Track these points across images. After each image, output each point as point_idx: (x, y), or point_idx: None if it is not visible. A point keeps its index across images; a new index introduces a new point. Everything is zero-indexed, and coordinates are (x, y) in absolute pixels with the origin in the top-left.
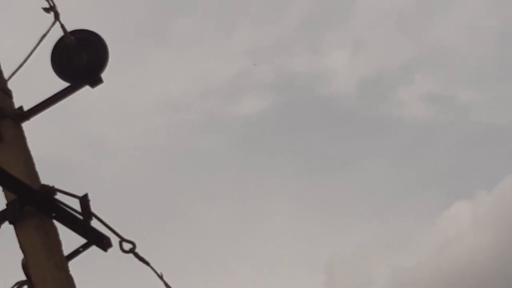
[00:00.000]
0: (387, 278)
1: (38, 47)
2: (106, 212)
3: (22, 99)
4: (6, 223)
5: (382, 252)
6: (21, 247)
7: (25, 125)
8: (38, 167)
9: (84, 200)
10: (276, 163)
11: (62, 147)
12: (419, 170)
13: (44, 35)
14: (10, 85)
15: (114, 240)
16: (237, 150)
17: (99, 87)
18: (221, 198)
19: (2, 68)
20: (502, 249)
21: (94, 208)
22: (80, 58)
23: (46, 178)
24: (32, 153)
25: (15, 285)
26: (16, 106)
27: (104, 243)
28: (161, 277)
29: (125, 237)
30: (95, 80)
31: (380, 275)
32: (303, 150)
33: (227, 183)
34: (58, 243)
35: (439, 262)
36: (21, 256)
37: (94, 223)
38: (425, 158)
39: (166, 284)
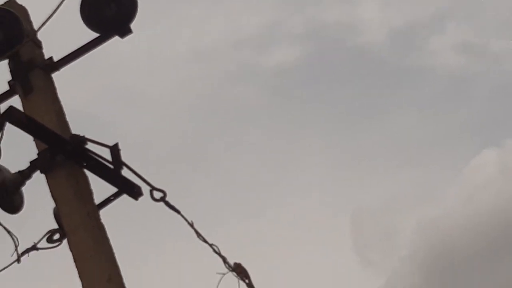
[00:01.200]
0: (414, 228)
1: None
2: (137, 162)
3: (52, 49)
4: (38, 173)
5: (409, 202)
6: (52, 196)
7: (55, 76)
8: (68, 118)
9: (114, 150)
10: (307, 114)
11: (92, 98)
12: (450, 120)
13: None
14: (40, 35)
15: (145, 189)
16: (269, 100)
17: (129, 37)
18: (252, 148)
19: (31, 18)
20: None
21: (124, 158)
22: (110, 8)
23: (76, 128)
24: (63, 103)
25: (47, 233)
26: (46, 56)
27: (134, 192)
28: (191, 225)
29: (156, 186)
30: (124, 31)
31: (407, 225)
32: (334, 100)
33: (258, 133)
34: (89, 192)
35: (466, 212)
36: (52, 205)
37: (125, 172)
38: (456, 108)
39: (196, 231)
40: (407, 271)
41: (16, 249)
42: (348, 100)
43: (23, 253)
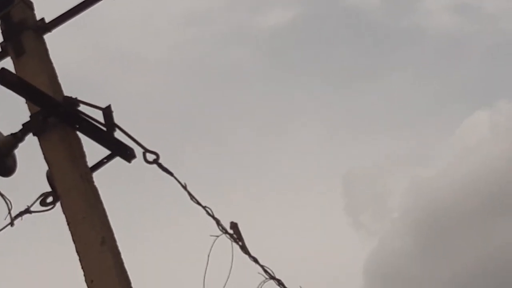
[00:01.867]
0: (406, 189)
1: None
2: (130, 125)
3: (43, 10)
4: (30, 135)
5: (402, 164)
6: (45, 158)
7: (47, 37)
8: (61, 80)
9: (107, 111)
10: (302, 76)
11: (85, 60)
12: (444, 81)
13: None
14: None
15: (138, 151)
16: (263, 62)
17: None
18: (246, 111)
19: None
20: None
21: (118, 121)
22: None
23: (69, 90)
24: (55, 65)
25: (40, 196)
26: (38, 18)
27: (127, 154)
28: (184, 187)
29: (149, 148)
30: None
31: (399, 187)
32: (328, 62)
33: (253, 97)
34: (82, 154)
35: (457, 173)
36: (45, 167)
37: (118, 135)
38: (450, 69)
39: (189, 194)
40: (399, 232)
41: (9, 212)
42: (342, 61)
43: (16, 216)
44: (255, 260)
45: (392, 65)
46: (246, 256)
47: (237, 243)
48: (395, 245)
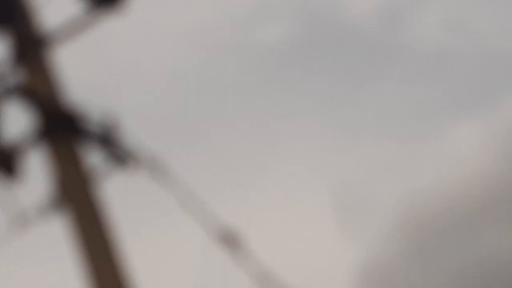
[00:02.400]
0: (397, 196)
1: None
2: (135, 129)
3: (50, 20)
4: (35, 142)
5: (392, 171)
6: (52, 166)
7: (53, 48)
8: (66, 92)
9: (111, 120)
10: (296, 90)
11: (91, 73)
12: (434, 92)
13: None
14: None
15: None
16: (259, 76)
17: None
18: (241, 120)
19: None
20: (509, 168)
21: (124, 128)
22: None
23: (75, 100)
24: (61, 77)
25: (43, 203)
26: (44, 29)
27: (132, 163)
28: (186, 200)
29: (154, 155)
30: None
31: (389, 194)
32: (319, 73)
33: (248, 108)
34: (87, 166)
35: (448, 182)
36: (49, 176)
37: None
38: (441, 80)
39: (190, 209)
40: (390, 240)
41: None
42: (334, 71)
43: (19, 224)
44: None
45: (384, 77)
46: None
47: (232, 253)
48: (386, 253)
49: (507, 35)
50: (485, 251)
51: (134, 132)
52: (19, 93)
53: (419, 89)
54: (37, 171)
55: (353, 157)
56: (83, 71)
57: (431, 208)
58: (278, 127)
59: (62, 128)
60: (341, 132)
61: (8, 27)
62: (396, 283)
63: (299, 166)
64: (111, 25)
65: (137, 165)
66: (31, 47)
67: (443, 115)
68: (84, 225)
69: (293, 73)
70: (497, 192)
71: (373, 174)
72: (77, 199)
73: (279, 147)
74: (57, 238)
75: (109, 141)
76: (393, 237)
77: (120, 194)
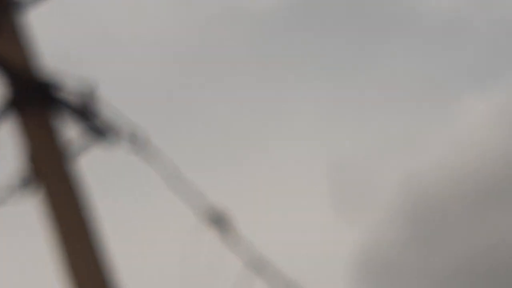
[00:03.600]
0: (397, 178)
1: None
2: (115, 102)
3: None
4: (9, 117)
5: (393, 152)
6: (24, 142)
7: (28, 14)
8: (40, 60)
9: (91, 95)
10: (296, 61)
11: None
12: (439, 67)
13: None
14: None
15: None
16: (256, 46)
17: None
18: (238, 96)
19: None
20: None
21: (102, 103)
22: None
23: (51, 71)
24: (35, 43)
25: (18, 175)
26: None
27: (111, 136)
28: (171, 178)
29: (136, 129)
30: None
31: (390, 175)
32: (321, 47)
33: (245, 82)
34: (63, 139)
35: (452, 162)
36: (23, 147)
37: (102, 118)
38: (445, 54)
39: (174, 187)
40: (390, 223)
41: None
42: (335, 46)
43: None
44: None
45: (389, 49)
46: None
47: (222, 234)
48: (385, 237)
49: None
50: (492, 237)
51: (114, 103)
52: None
53: (426, 62)
54: (8, 145)
55: (353, 135)
56: (59, 39)
57: (435, 191)
58: (274, 103)
59: (35, 98)
60: (341, 108)
61: None
62: (396, 270)
63: (296, 144)
64: None
65: (117, 140)
66: (1, 11)
67: (451, 89)
68: (59, 203)
69: (291, 46)
70: (507, 175)
71: (374, 154)
72: (51, 175)
73: (275, 123)
74: (29, 217)
75: (86, 113)
76: (394, 221)
77: (98, 171)
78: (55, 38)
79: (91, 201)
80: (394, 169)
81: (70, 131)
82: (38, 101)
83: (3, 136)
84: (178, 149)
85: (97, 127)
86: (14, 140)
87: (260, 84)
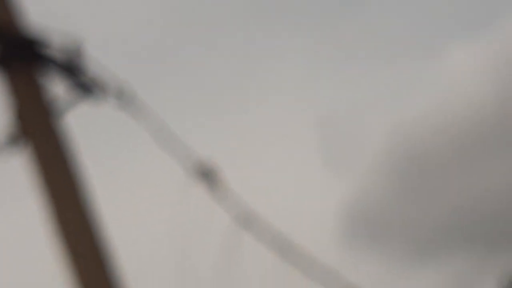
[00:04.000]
0: (386, 129)
1: None
2: (102, 58)
3: None
4: None
5: (382, 103)
6: (12, 99)
7: None
8: (27, 13)
9: (77, 51)
10: (284, 14)
11: None
12: (427, 14)
13: None
14: None
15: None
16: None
17: None
18: (226, 49)
19: None
20: (507, 96)
21: (89, 57)
22: None
23: (35, 24)
24: (21, 0)
25: (7, 136)
26: None
27: (99, 93)
28: (157, 132)
29: (123, 85)
30: None
31: (379, 127)
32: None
33: (233, 34)
34: (50, 95)
35: (442, 111)
36: (11, 105)
37: (88, 73)
38: (437, 3)
39: (160, 141)
40: (379, 176)
41: None
42: None
43: None
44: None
45: (375, 2)
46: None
47: (210, 189)
48: (374, 190)
49: None
50: (480, 186)
51: (101, 60)
52: None
53: (414, 11)
54: None
55: (342, 86)
56: None
57: (424, 140)
58: (262, 57)
59: (21, 55)
60: (329, 58)
61: None
62: (384, 221)
63: (284, 98)
64: None
65: (104, 96)
66: None
67: (439, 37)
68: (46, 160)
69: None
70: (494, 123)
71: (362, 104)
72: (39, 132)
73: (263, 77)
74: (17, 175)
75: (73, 69)
76: (382, 172)
77: (85, 127)
78: None
79: (79, 158)
80: (382, 119)
81: (57, 87)
82: (25, 58)
83: None
84: (165, 104)
85: (84, 83)
86: (2, 98)
87: (249, 38)
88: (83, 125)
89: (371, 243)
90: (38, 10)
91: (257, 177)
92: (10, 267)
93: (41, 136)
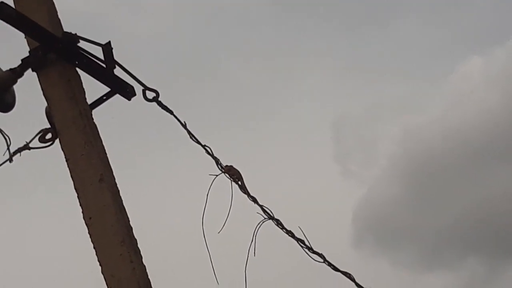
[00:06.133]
0: (397, 135)
1: None
2: (130, 62)
3: None
4: (29, 71)
5: (393, 110)
6: (44, 94)
7: None
8: (60, 15)
9: (107, 48)
10: (310, 20)
11: None
12: (440, 28)
13: None
14: None
15: (138, 89)
16: (272, 5)
17: None
18: (252, 53)
19: None
20: None
21: (118, 58)
22: None
23: (68, 26)
24: (55, 1)
25: (39, 132)
26: None
27: (127, 92)
28: (184, 125)
29: (149, 86)
30: None
31: (390, 133)
32: (337, 8)
33: (260, 39)
34: (81, 91)
35: (451, 119)
36: (44, 103)
37: (118, 72)
38: (448, 16)
39: (189, 132)
40: (390, 180)
41: (8, 148)
42: (350, 7)
43: (15, 152)
44: (254, 200)
45: (398, 12)
46: (245, 197)
47: (236, 182)
48: (385, 193)
49: None
50: (488, 191)
51: (132, 60)
52: (10, 16)
53: (432, 25)
54: (30, 98)
55: (355, 94)
56: None
57: (436, 146)
58: (288, 61)
59: (55, 52)
60: (350, 67)
61: None
62: (396, 226)
63: (304, 100)
64: None
65: (133, 94)
66: None
67: (453, 52)
68: (77, 155)
69: (308, 4)
70: (503, 132)
71: (379, 111)
72: (71, 126)
73: (287, 80)
74: (49, 166)
75: (105, 66)
76: (395, 175)
77: (116, 123)
78: None
79: (108, 151)
80: (394, 126)
81: (88, 84)
82: (58, 55)
83: (26, 87)
84: (192, 103)
85: (114, 81)
86: (36, 91)
87: (275, 38)
88: (113, 120)
89: (381, 247)
90: (71, 8)
91: (273, 175)
92: (42, 256)
93: (73, 129)
